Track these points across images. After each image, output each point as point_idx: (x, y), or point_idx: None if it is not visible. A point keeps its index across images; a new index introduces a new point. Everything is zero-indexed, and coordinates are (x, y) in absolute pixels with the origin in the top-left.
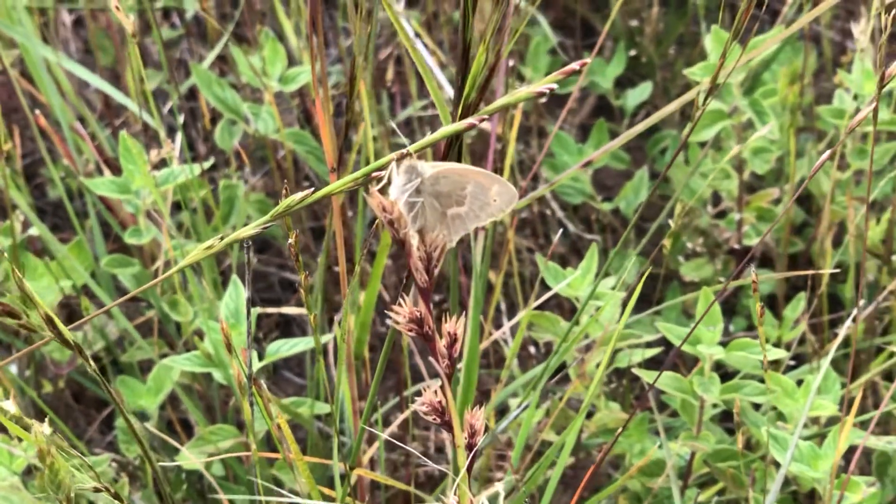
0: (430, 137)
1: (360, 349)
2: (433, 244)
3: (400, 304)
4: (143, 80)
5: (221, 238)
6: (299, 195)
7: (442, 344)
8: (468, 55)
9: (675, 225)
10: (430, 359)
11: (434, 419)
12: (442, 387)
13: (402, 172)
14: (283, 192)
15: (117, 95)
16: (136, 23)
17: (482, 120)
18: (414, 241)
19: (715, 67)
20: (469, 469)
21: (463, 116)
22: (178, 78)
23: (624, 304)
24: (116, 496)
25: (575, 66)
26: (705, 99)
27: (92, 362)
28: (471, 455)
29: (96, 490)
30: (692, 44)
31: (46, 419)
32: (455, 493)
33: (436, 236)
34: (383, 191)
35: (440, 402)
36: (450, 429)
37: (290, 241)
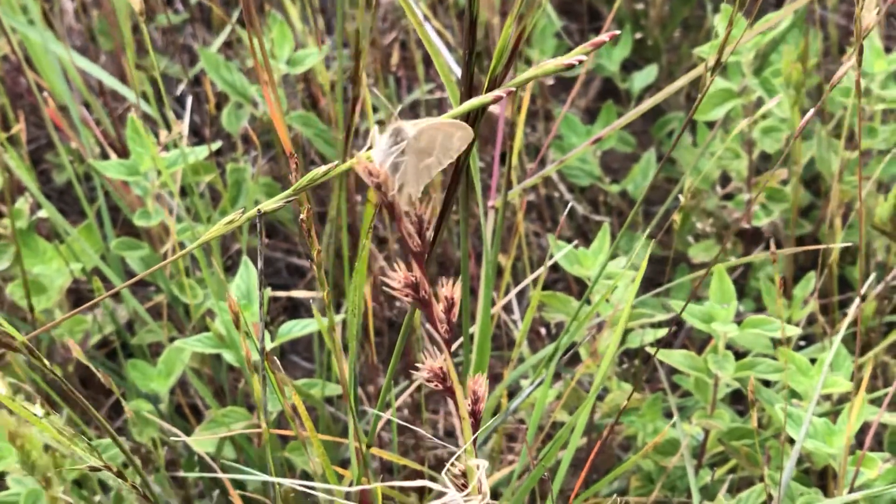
0: (457, 109)
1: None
2: (412, 202)
3: (394, 270)
4: (146, 69)
5: (241, 215)
6: (322, 169)
7: (440, 309)
8: (474, 31)
9: (685, 201)
10: (427, 325)
11: (436, 385)
12: (445, 352)
13: (388, 136)
14: (294, 172)
15: (118, 86)
16: (142, 5)
17: (510, 92)
18: (404, 204)
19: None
20: (474, 440)
21: (488, 90)
22: (183, 64)
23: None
24: (119, 474)
25: (604, 37)
26: (713, 70)
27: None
28: (480, 429)
29: (92, 469)
30: (697, 27)
31: (39, 400)
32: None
33: (409, 191)
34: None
35: (441, 367)
36: (452, 395)
37: (303, 216)
